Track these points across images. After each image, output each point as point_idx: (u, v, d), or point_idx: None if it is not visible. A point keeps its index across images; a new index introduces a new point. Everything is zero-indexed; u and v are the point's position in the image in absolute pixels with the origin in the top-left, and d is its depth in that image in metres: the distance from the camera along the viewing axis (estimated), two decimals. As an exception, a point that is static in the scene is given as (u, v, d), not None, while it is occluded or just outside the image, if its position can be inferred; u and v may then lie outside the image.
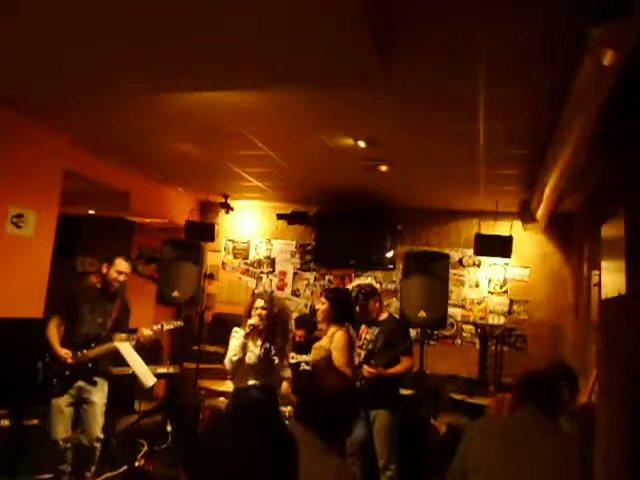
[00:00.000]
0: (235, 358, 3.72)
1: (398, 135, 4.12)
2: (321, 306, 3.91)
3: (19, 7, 2.48)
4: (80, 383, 3.85)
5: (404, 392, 4.63)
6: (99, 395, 3.91)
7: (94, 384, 3.88)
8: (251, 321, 3.77)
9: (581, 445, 2.08)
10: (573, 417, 2.94)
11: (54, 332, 3.85)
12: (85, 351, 3.84)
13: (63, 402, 3.79)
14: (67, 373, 3.80)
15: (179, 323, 4.39)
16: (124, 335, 4.08)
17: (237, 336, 3.80)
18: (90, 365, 3.86)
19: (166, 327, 4.23)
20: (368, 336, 4.28)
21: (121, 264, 4.06)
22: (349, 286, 4.71)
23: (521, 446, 2.12)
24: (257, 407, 3.53)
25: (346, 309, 3.85)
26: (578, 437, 2.24)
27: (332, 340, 3.68)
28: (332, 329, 3.73)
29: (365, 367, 4.05)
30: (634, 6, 1.88)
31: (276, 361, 3.74)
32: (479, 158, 4.39)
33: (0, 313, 3.99)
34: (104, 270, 4.05)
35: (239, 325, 3.91)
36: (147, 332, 4.07)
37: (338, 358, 3.58)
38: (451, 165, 4.76)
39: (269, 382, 3.77)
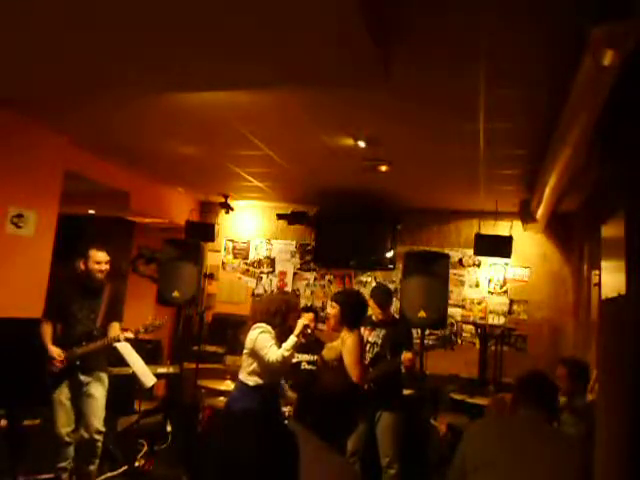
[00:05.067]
0: (295, 360, 3.73)
1: (398, 135, 4.12)
2: (331, 310, 3.88)
3: (19, 6, 2.48)
4: (81, 377, 3.87)
5: (404, 392, 4.63)
6: (99, 389, 3.93)
7: (85, 384, 3.89)
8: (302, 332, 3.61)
9: (585, 444, 2.07)
10: (580, 415, 2.93)
11: (46, 332, 3.85)
12: (75, 349, 3.84)
13: (64, 396, 3.83)
14: (55, 371, 3.79)
15: (159, 323, 4.22)
16: (117, 325, 4.03)
17: (272, 334, 3.57)
18: (78, 363, 3.85)
19: (141, 330, 4.10)
20: (371, 338, 4.26)
21: (97, 255, 3.98)
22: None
23: (521, 446, 2.12)
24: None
25: (357, 311, 3.83)
26: (583, 435, 2.23)
27: (344, 343, 3.67)
28: (345, 333, 3.71)
29: (405, 354, 4.05)
30: (634, 6, 1.88)
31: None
32: (479, 158, 4.39)
33: None
34: (82, 267, 4.00)
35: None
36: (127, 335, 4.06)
37: (347, 359, 3.57)
38: (451, 165, 4.76)
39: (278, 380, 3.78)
